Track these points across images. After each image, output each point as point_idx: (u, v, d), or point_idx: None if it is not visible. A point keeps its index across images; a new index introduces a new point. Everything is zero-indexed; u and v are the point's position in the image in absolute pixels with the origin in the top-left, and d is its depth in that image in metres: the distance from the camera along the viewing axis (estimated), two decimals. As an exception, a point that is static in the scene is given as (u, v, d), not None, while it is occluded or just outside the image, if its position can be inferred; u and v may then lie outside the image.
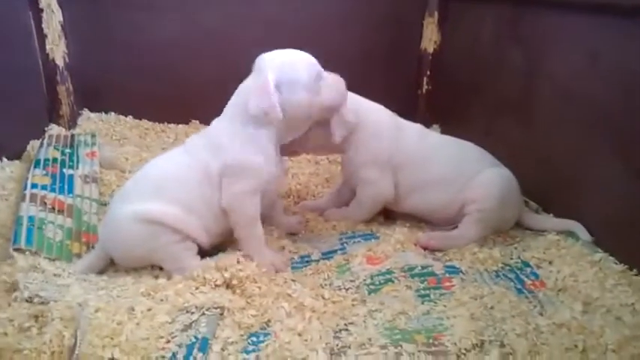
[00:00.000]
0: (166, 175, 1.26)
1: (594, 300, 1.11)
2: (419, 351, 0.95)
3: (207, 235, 1.26)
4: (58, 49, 2.02)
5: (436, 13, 2.22)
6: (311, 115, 1.29)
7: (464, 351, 0.95)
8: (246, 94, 1.23)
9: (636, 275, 1.16)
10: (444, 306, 1.11)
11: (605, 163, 1.28)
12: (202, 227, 1.25)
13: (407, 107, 2.18)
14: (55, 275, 1.17)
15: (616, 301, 1.09)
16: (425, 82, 2.30)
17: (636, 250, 1.18)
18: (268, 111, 1.19)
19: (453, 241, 1.37)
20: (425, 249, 1.36)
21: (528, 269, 1.25)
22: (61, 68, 2.04)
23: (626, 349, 0.95)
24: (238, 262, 1.19)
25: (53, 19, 1.98)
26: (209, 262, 1.20)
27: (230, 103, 1.29)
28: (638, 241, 1.18)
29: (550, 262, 1.26)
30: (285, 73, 1.22)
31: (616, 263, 1.21)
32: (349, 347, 0.97)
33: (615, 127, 1.25)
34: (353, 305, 1.12)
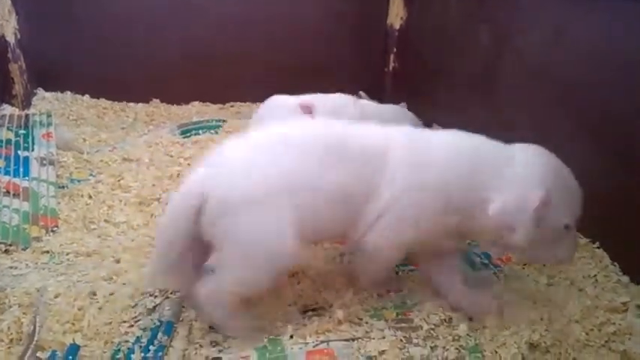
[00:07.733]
0: None
1: (558, 273, 1.13)
2: (389, 327, 0.95)
3: None
4: (8, 25, 1.91)
5: (402, -12, 2.19)
6: None
7: (433, 326, 0.96)
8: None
9: (598, 248, 1.19)
10: (412, 282, 1.11)
11: (570, 138, 1.29)
12: None
13: (374, 85, 2.18)
14: (10, 267, 1.13)
15: (579, 274, 1.12)
16: (392, 60, 2.28)
17: (598, 223, 1.20)
18: (516, 229, 0.88)
19: None
20: None
21: (495, 244, 1.26)
22: (12, 45, 1.93)
23: (588, 319, 0.98)
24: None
25: (2, -7, 1.87)
26: None
27: None
28: (600, 214, 1.20)
29: (516, 237, 1.27)
30: (560, 191, 0.93)
31: (580, 237, 1.23)
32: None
33: (580, 102, 1.27)
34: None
